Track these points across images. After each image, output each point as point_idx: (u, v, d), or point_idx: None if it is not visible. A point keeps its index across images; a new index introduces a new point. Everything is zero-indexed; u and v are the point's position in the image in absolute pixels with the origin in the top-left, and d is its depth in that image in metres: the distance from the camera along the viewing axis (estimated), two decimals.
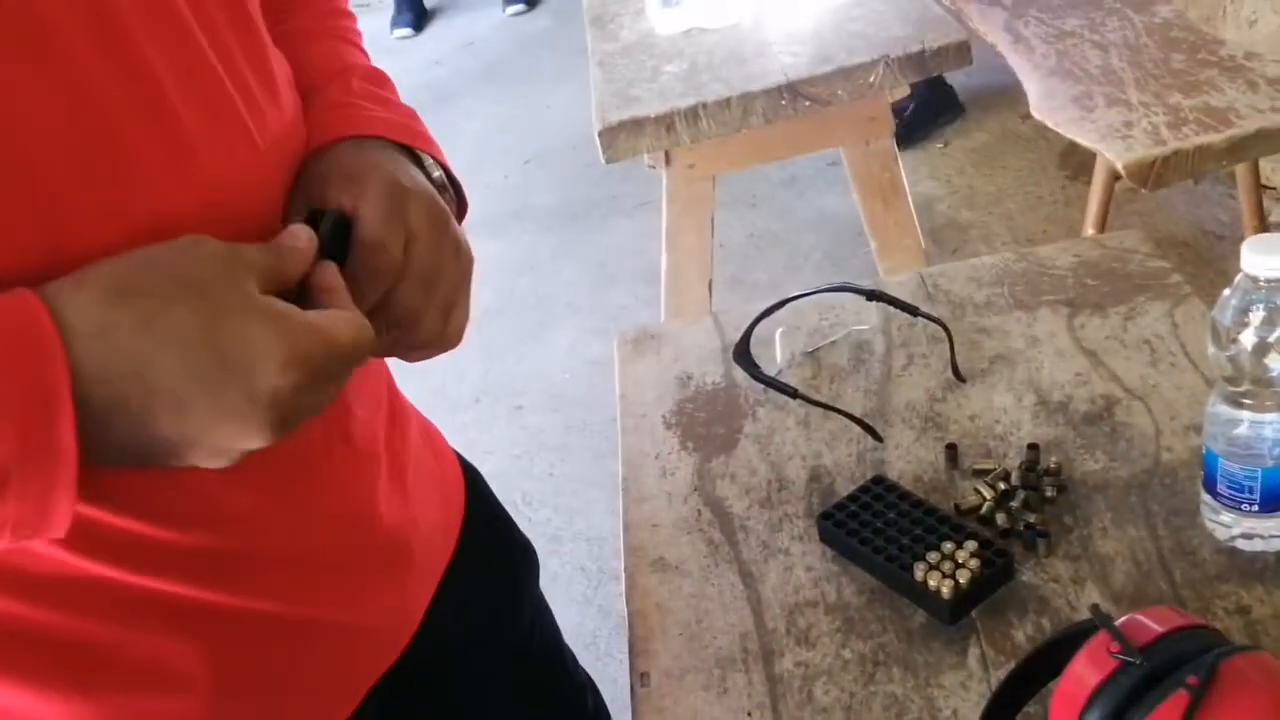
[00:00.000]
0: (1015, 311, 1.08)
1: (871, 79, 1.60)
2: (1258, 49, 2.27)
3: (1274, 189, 2.45)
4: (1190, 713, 0.60)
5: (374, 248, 0.57)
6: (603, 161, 1.65)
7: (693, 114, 1.60)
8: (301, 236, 0.53)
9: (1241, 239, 1.87)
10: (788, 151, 1.91)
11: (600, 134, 1.61)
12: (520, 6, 4.62)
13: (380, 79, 0.71)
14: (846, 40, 1.67)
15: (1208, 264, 2.29)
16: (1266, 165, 2.46)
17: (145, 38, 0.50)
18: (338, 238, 0.57)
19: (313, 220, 0.57)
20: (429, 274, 0.59)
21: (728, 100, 1.59)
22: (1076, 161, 2.65)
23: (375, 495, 0.67)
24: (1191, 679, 0.61)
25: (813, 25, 1.74)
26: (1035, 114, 1.94)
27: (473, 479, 0.86)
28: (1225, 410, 0.78)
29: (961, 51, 1.62)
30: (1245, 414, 0.77)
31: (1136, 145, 1.77)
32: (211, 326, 0.46)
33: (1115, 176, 1.87)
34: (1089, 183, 2.03)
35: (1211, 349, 0.78)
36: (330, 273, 0.54)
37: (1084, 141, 1.83)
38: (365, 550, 0.67)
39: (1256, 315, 0.75)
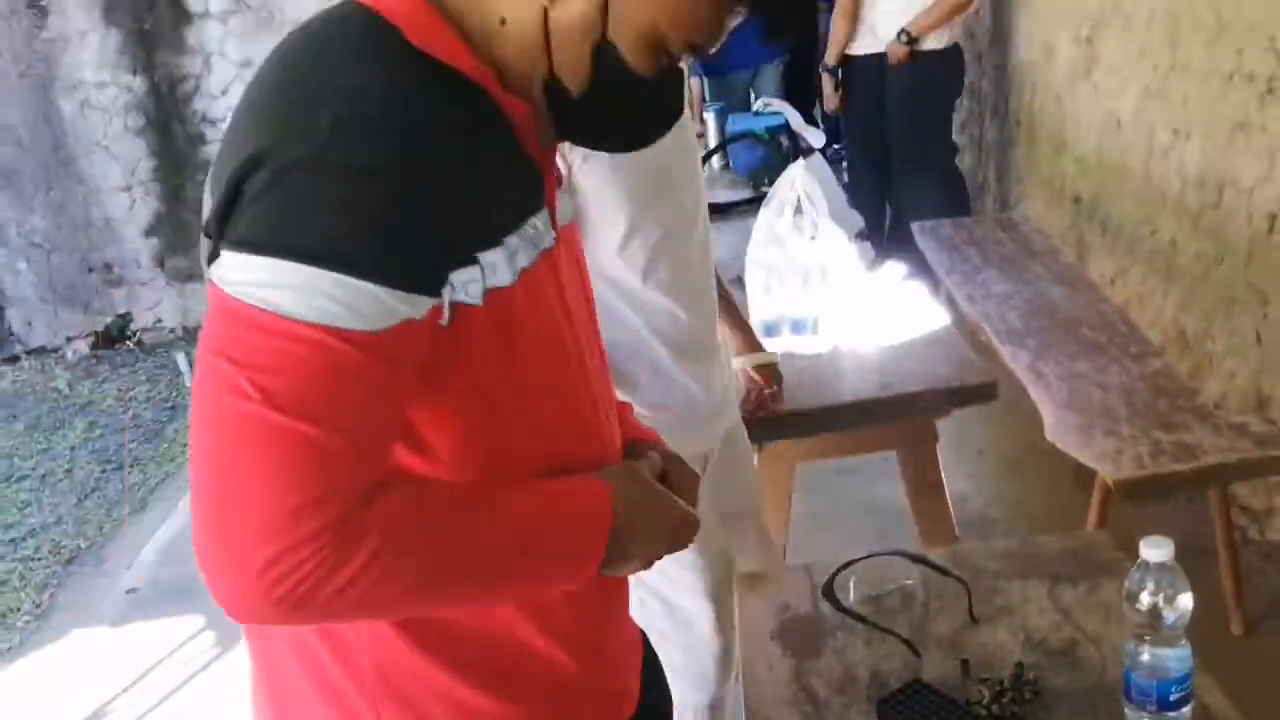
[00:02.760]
0: (1015, 579, 1.57)
1: (920, 404, 2.16)
2: (1230, 401, 2.82)
3: (1251, 510, 2.93)
4: None
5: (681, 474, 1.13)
6: None
7: (781, 419, 2.15)
8: (657, 461, 1.10)
9: (1215, 547, 2.32)
10: (852, 451, 2.45)
11: None
12: None
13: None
14: (903, 374, 2.25)
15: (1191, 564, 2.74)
16: (1244, 489, 2.95)
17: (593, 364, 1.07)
18: None
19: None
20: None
21: (810, 411, 2.15)
22: (1087, 474, 3.16)
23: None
24: None
25: (879, 359, 2.33)
26: (1049, 437, 2.48)
27: None
28: (1134, 646, 1.26)
29: (989, 389, 2.19)
30: (1147, 648, 1.25)
31: (1124, 467, 2.29)
32: (658, 504, 1.02)
33: (1110, 489, 2.38)
34: None
35: (1125, 606, 1.27)
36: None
37: (1085, 461, 2.36)
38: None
39: (1149, 585, 1.25)
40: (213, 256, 0.84)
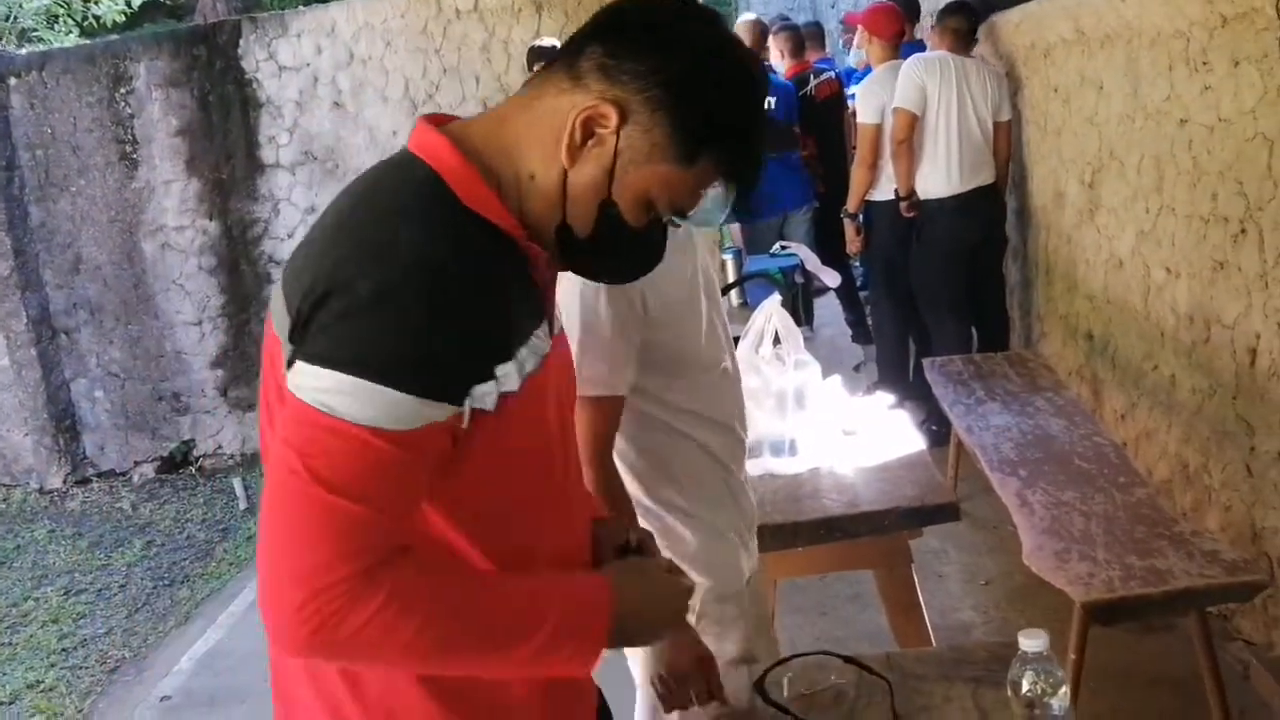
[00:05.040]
0: (940, 681, 1.67)
1: (885, 522, 2.27)
2: (1227, 533, 2.86)
3: (1243, 635, 2.94)
4: None
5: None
6: None
7: (757, 532, 2.28)
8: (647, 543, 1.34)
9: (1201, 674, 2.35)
10: (830, 568, 2.55)
11: None
12: None
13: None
14: (872, 494, 2.37)
15: (1180, 689, 2.74)
16: (1247, 623, 2.96)
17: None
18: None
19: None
20: None
21: (782, 525, 2.28)
22: None
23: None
24: None
25: (852, 480, 2.45)
26: (1025, 561, 2.56)
27: None
28: None
29: (951, 509, 2.30)
30: None
31: (1093, 591, 2.36)
32: (657, 585, 1.23)
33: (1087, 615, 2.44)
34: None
35: (1011, 698, 1.37)
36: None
37: (1057, 584, 2.43)
38: None
39: (1028, 674, 1.35)
40: (289, 363, 1.06)
